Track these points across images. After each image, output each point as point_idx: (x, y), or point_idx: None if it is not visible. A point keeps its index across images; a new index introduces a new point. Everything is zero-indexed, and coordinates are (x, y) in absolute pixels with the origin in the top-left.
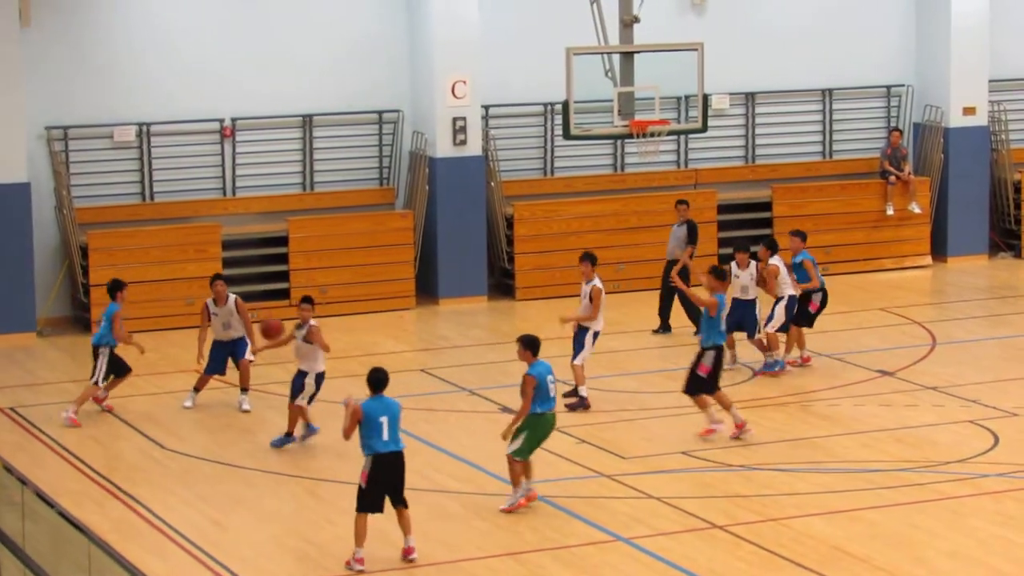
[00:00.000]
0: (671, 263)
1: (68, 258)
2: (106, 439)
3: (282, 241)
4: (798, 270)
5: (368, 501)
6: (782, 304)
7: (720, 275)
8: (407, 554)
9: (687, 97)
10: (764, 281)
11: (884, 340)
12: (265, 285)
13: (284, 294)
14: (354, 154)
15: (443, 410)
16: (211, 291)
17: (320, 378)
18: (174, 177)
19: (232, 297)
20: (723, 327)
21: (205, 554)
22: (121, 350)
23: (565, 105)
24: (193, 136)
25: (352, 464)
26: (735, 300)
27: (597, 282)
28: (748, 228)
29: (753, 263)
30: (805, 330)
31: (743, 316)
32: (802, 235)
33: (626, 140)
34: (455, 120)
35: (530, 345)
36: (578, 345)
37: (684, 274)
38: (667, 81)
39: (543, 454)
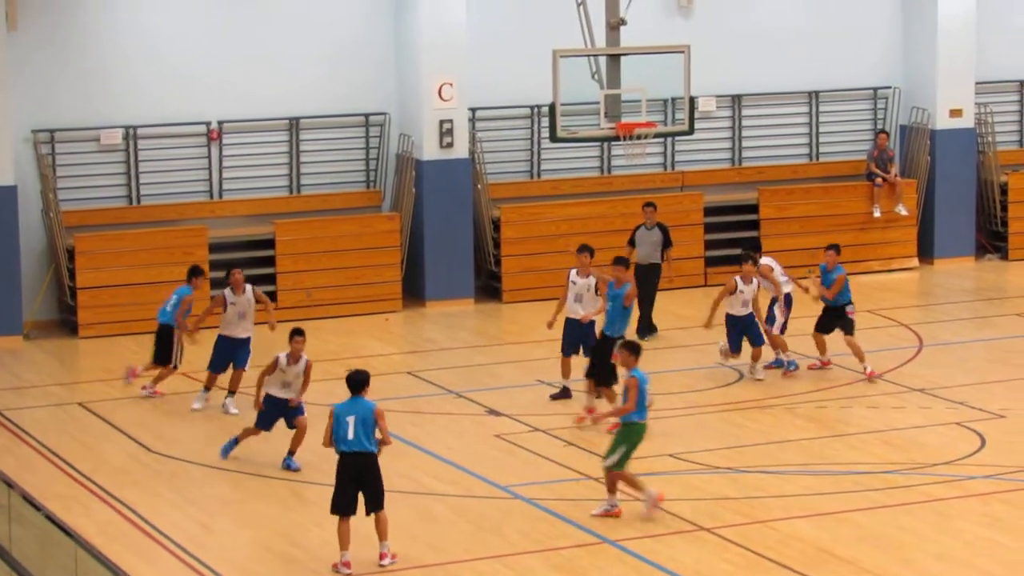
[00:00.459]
0: (648, 267)
1: (54, 261)
2: (93, 442)
3: (269, 244)
4: (830, 284)
5: (336, 502)
6: (779, 305)
7: (626, 263)
8: (381, 559)
9: (674, 99)
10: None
11: (871, 342)
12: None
13: (271, 297)
14: (341, 157)
15: (430, 413)
16: (229, 280)
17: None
18: (161, 180)
19: (249, 287)
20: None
21: (192, 557)
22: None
23: (552, 107)
24: (180, 139)
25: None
26: (731, 317)
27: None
28: (734, 230)
29: (756, 279)
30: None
31: (746, 330)
32: (837, 248)
33: (613, 142)
34: (442, 123)
35: (635, 351)
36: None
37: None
38: (653, 83)
39: (529, 457)
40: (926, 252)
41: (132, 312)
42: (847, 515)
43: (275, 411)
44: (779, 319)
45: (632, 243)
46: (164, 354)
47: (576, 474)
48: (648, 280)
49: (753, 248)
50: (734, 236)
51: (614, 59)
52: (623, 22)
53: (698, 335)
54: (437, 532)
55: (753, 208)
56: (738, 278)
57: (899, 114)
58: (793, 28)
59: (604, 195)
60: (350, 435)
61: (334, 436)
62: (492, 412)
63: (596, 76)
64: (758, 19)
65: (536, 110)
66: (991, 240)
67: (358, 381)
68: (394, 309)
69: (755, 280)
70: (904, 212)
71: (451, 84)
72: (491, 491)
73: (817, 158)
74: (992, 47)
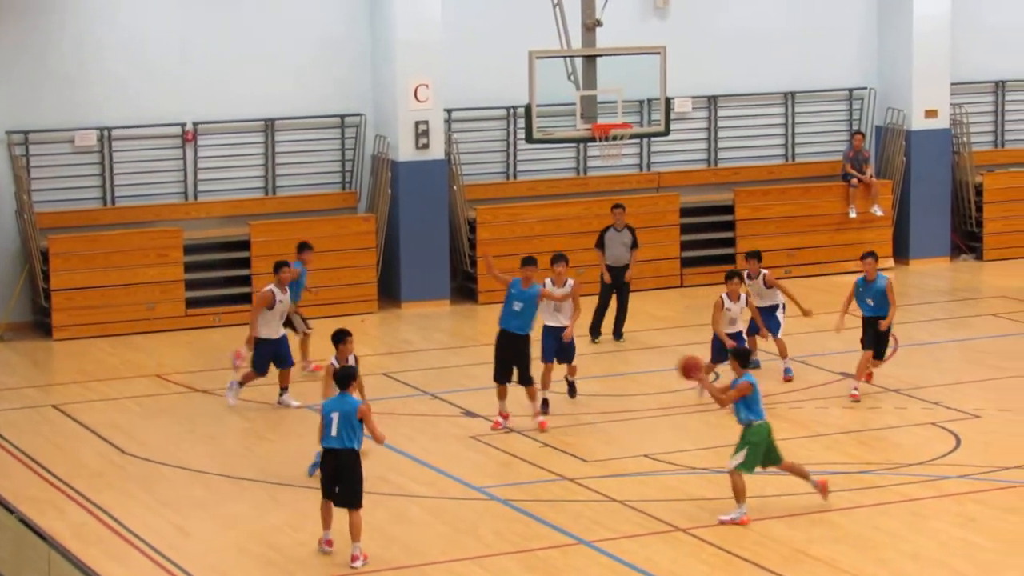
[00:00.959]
0: (620, 269)
1: (29, 263)
2: (67, 445)
3: (244, 245)
4: (875, 294)
5: (324, 491)
6: (780, 311)
7: (534, 263)
8: (353, 560)
9: (649, 100)
10: (774, 286)
11: (847, 343)
12: (227, 290)
13: (246, 298)
14: (316, 158)
15: (405, 414)
16: (274, 278)
17: None
18: (135, 182)
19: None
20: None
21: (167, 560)
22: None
23: (528, 109)
24: (155, 140)
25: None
26: (717, 336)
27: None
28: (710, 231)
29: (743, 296)
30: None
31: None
32: (875, 256)
33: (588, 143)
34: (417, 124)
35: (741, 356)
36: (570, 348)
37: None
38: (629, 84)
39: (505, 458)
40: (901, 252)
41: (107, 314)
42: (822, 515)
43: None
44: (782, 325)
45: (600, 245)
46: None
47: (551, 475)
48: (621, 282)
49: (756, 257)
50: (710, 237)
51: (590, 60)
52: (599, 23)
53: (674, 335)
54: (412, 534)
55: (729, 209)
56: (724, 295)
57: (874, 115)
58: (769, 29)
59: (580, 196)
60: (333, 431)
61: (321, 431)
62: (468, 413)
63: (572, 77)
64: (734, 20)
65: (512, 111)
66: (966, 241)
67: (345, 376)
68: (370, 310)
69: (743, 296)
70: (879, 213)
71: (427, 85)
72: (467, 492)
73: (793, 159)
74: (967, 48)
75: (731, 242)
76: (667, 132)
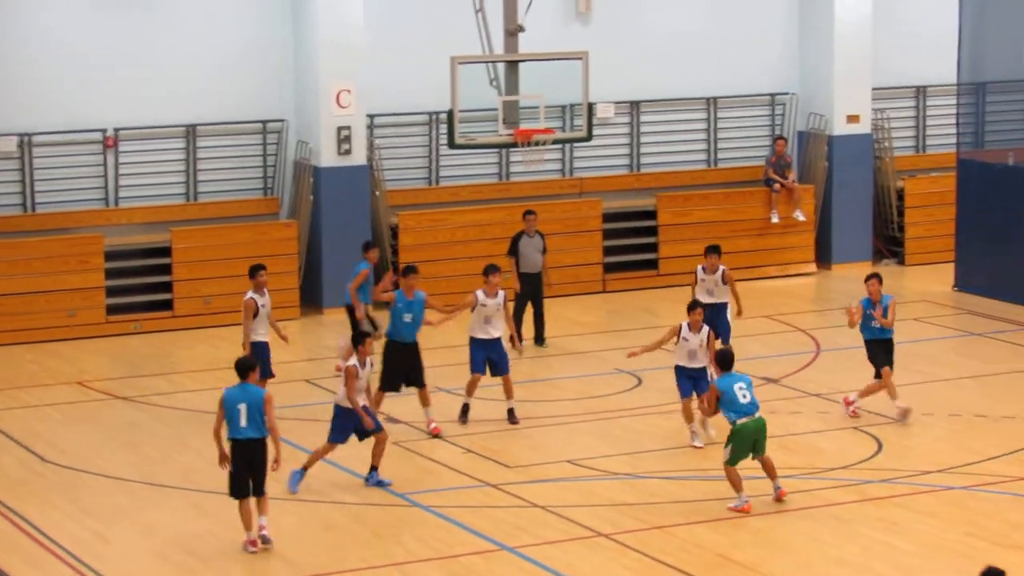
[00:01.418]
0: (535, 275)
1: None
2: None
3: (165, 252)
4: (883, 312)
5: (235, 486)
6: (728, 312)
7: (414, 270)
8: (261, 529)
9: (572, 106)
10: (729, 283)
11: (769, 347)
12: (148, 296)
13: (167, 305)
14: (238, 164)
15: (328, 420)
16: (251, 283)
17: None
18: (56, 188)
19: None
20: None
21: (87, 568)
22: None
23: (450, 114)
24: (75, 147)
25: None
26: (679, 368)
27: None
28: (633, 236)
29: (706, 327)
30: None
31: (695, 386)
32: (879, 278)
33: (511, 149)
34: (340, 129)
35: (719, 360)
36: (505, 359)
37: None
38: (552, 90)
39: (428, 464)
40: (824, 257)
41: (27, 321)
42: (746, 520)
43: (348, 422)
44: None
45: (513, 252)
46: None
47: (474, 481)
48: (536, 288)
49: (713, 251)
50: (633, 242)
51: (512, 65)
52: (521, 28)
53: (596, 341)
54: (335, 540)
55: (651, 214)
56: (685, 324)
57: (796, 120)
58: (691, 35)
59: (503, 201)
60: (242, 423)
61: (227, 421)
62: (391, 419)
63: (494, 82)
64: (656, 26)
65: (434, 117)
66: (888, 245)
67: (245, 367)
68: (292, 316)
69: (704, 330)
70: (802, 217)
71: (349, 91)
72: (389, 499)
73: (715, 164)
74: (888, 53)
75: (654, 247)
76: (589, 137)
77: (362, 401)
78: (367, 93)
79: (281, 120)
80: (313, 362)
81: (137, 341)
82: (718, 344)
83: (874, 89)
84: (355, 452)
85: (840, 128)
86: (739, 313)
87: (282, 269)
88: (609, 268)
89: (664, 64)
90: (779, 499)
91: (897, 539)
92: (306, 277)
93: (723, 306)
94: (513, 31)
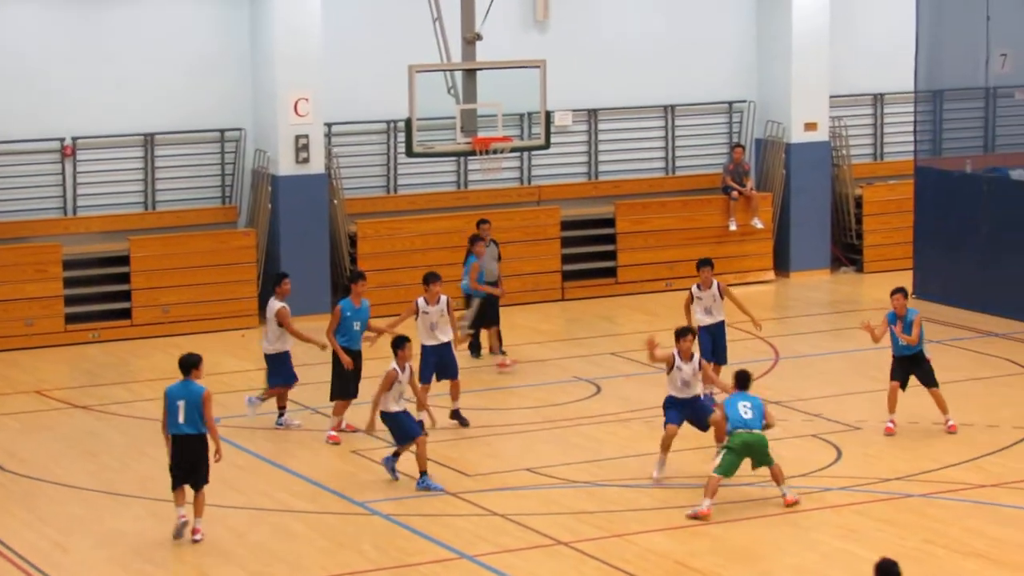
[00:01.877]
0: (493, 284)
1: None
2: None
3: (124, 260)
4: (906, 327)
5: (173, 478)
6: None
7: (361, 276)
8: (194, 534)
9: (530, 114)
10: (727, 296)
11: (728, 355)
12: (106, 305)
13: (126, 314)
14: (196, 172)
15: (284, 429)
16: (277, 291)
17: None
18: (14, 197)
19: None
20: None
21: None
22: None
23: (408, 122)
24: (33, 155)
25: None
26: (672, 399)
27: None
28: (591, 244)
29: (696, 355)
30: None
31: (693, 414)
32: (904, 291)
33: (469, 157)
34: (297, 138)
35: (737, 380)
36: (454, 364)
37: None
38: (510, 98)
39: (387, 473)
40: (782, 265)
41: None
42: (704, 528)
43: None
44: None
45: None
46: (478, 320)
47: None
48: (494, 296)
49: (705, 264)
50: (591, 250)
51: (470, 74)
52: (479, 37)
53: (555, 349)
54: (294, 549)
55: (610, 222)
56: (675, 352)
57: (754, 128)
58: (648, 43)
59: (461, 210)
60: (181, 418)
61: (167, 416)
62: (350, 429)
63: (452, 91)
64: (614, 34)
65: (392, 125)
66: (846, 253)
67: (189, 363)
68: (250, 325)
69: (696, 356)
70: (760, 225)
71: (307, 99)
72: (348, 507)
73: (673, 172)
74: (846, 61)
75: (612, 255)
76: (547, 145)
77: (398, 408)
78: (325, 102)
79: (239, 129)
80: (262, 371)
81: (96, 350)
82: (712, 366)
83: (832, 97)
84: (314, 460)
85: (798, 136)
86: (757, 325)
87: (240, 278)
88: (568, 276)
89: (622, 72)
90: (787, 505)
91: (856, 547)
92: (264, 286)
93: (723, 324)
94: (471, 39)
